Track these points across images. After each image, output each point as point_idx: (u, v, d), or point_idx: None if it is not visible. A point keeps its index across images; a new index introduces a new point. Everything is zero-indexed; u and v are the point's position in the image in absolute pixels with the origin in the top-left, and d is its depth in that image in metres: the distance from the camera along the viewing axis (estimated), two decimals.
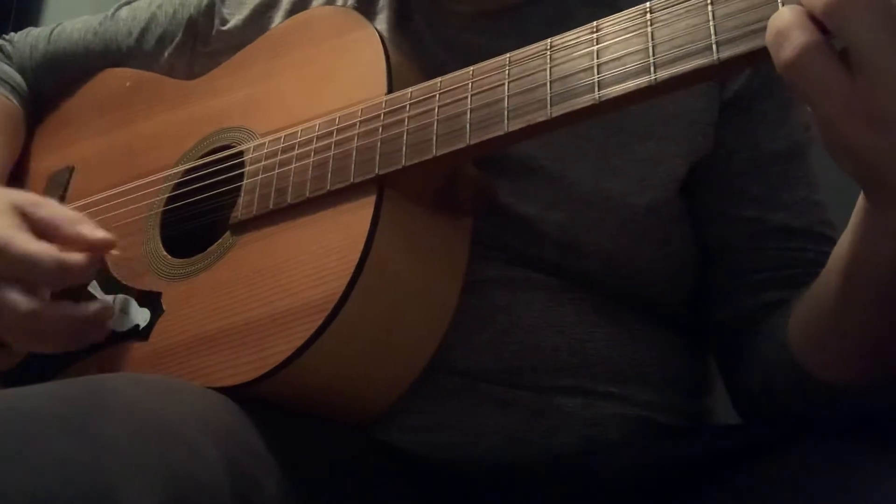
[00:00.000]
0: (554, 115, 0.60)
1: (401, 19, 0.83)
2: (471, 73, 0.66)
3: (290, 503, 0.60)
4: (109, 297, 0.76)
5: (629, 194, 0.73)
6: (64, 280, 0.71)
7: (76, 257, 0.71)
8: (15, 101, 0.96)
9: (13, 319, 0.69)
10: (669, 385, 0.76)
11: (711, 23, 0.54)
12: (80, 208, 0.85)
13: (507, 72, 0.64)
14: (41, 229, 0.72)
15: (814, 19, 0.46)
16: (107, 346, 0.74)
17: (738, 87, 0.76)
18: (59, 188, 0.90)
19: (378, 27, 0.77)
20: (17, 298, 0.69)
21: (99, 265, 0.74)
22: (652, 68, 0.56)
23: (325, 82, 0.76)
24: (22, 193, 0.77)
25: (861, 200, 0.53)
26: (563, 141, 0.74)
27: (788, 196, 0.75)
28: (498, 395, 0.71)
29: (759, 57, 0.52)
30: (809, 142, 0.77)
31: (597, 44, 0.60)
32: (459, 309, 0.71)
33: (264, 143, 0.75)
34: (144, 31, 0.94)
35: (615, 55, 0.59)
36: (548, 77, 0.62)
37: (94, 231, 0.73)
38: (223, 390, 0.64)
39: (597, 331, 0.74)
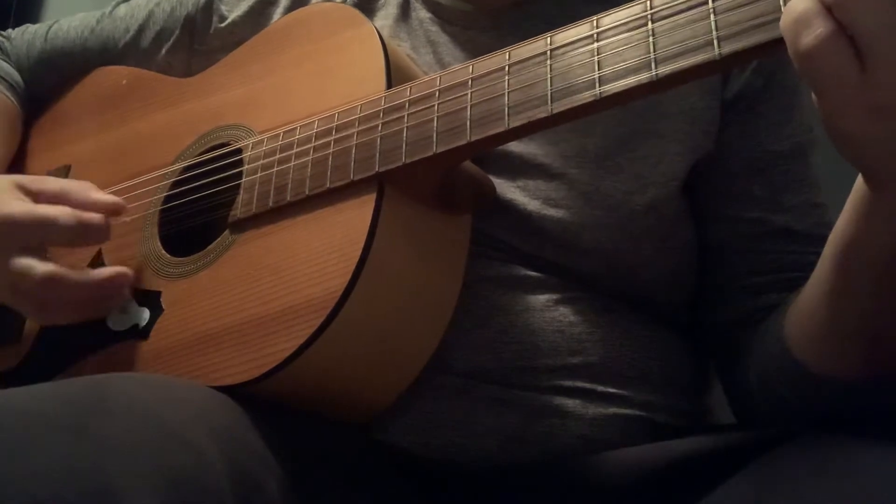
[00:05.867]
0: (555, 111, 0.60)
1: (403, 16, 0.83)
2: (470, 69, 0.66)
3: (291, 503, 0.60)
4: None
5: (630, 192, 0.73)
6: (84, 237, 0.72)
7: (93, 214, 0.72)
8: (13, 98, 0.96)
9: (29, 286, 0.70)
10: (669, 385, 0.76)
11: (713, 18, 0.54)
12: None
13: (507, 68, 0.64)
14: (49, 202, 0.73)
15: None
16: (107, 345, 0.74)
17: (740, 87, 0.76)
18: None
19: (379, 23, 0.77)
20: (33, 263, 0.70)
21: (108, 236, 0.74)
22: (653, 64, 0.56)
23: (323, 79, 0.75)
24: (23, 175, 0.77)
25: (858, 183, 0.53)
26: (563, 138, 0.74)
27: (790, 198, 0.75)
28: (497, 395, 0.71)
29: (762, 52, 0.52)
30: (812, 143, 0.77)
31: (597, 39, 0.60)
32: (459, 308, 0.71)
33: (263, 141, 0.75)
34: (142, 29, 0.94)
35: (616, 51, 0.58)
36: (548, 73, 0.61)
37: (104, 195, 0.75)
38: (224, 389, 0.64)
39: (596, 331, 0.73)
